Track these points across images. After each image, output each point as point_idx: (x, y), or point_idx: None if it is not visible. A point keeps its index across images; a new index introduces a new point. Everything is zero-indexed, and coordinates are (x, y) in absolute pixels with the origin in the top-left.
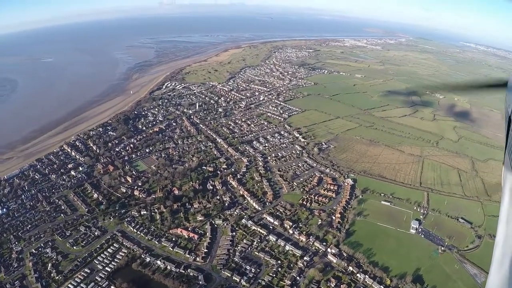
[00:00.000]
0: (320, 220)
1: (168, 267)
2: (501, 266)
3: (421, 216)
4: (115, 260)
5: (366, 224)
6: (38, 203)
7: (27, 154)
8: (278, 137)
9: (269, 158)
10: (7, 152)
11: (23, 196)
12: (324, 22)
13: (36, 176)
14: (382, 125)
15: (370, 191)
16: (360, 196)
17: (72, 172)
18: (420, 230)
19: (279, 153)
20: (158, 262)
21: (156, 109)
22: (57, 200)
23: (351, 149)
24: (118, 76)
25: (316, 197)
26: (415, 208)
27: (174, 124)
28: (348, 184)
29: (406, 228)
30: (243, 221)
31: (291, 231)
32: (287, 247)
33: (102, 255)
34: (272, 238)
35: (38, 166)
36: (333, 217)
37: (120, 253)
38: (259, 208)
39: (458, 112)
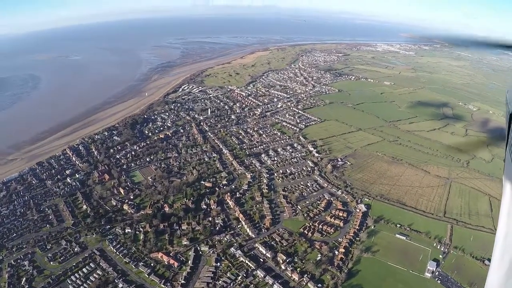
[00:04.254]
0: (320, 255)
1: None
2: (501, 262)
3: (440, 256)
4: (88, 282)
5: (373, 262)
6: (29, 211)
7: (30, 156)
8: (290, 150)
9: (275, 174)
10: (13, 153)
11: (15, 202)
12: (360, 27)
13: (33, 181)
14: (407, 140)
15: (385, 221)
16: (372, 227)
17: (68, 179)
18: (437, 273)
19: (287, 169)
20: None
21: (167, 114)
22: (46, 209)
23: (370, 167)
24: (138, 76)
25: (320, 226)
26: (434, 244)
27: (181, 131)
28: (360, 210)
29: (420, 270)
30: (232, 249)
31: (283, 267)
32: (275, 287)
33: (76, 274)
34: (260, 273)
35: (37, 170)
36: (336, 252)
37: (95, 275)
38: (253, 235)
39: (493, 128)
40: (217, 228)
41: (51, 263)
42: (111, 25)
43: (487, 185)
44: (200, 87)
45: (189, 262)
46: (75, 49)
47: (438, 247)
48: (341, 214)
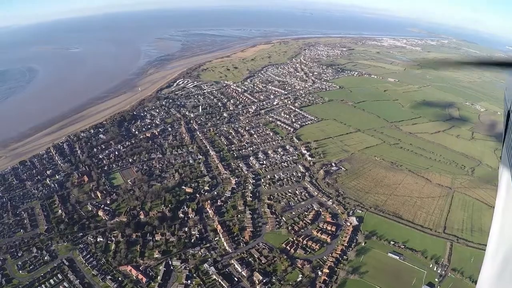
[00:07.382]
0: (301, 276)
1: None
2: (495, 257)
3: (436, 279)
4: None
5: (360, 286)
6: (5, 213)
7: (15, 154)
8: (281, 153)
9: (262, 180)
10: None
11: None
12: (368, 20)
13: (13, 182)
14: (409, 143)
15: (377, 237)
16: (363, 244)
17: (47, 181)
18: None
19: (275, 175)
20: None
21: (157, 110)
22: (23, 212)
23: (366, 174)
24: (134, 70)
25: (304, 241)
26: (431, 265)
27: (169, 129)
28: (350, 224)
29: None
30: (205, 265)
31: None
32: None
33: (43, 285)
34: None
35: (19, 170)
36: (319, 273)
37: (61, 287)
38: (230, 250)
39: (501, 131)
40: (192, 240)
41: (20, 271)
42: (119, 16)
43: (493, 196)
44: (195, 82)
45: (159, 278)
46: (76, 41)
47: (435, 269)
48: (329, 228)
